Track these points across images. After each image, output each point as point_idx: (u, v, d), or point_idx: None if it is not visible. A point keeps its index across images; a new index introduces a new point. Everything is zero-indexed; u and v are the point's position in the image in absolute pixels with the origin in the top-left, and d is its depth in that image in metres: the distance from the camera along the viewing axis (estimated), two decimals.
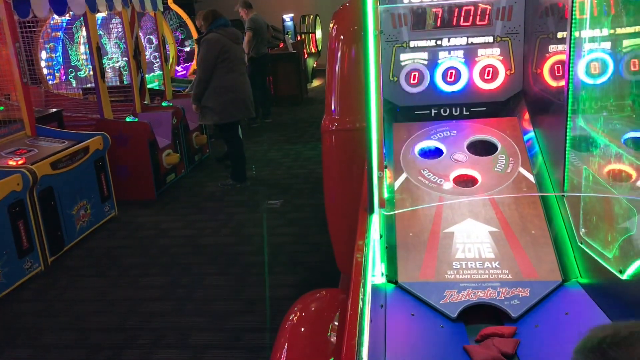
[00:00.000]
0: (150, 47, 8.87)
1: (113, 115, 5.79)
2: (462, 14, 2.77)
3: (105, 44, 8.07)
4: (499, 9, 2.74)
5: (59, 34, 7.74)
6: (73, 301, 3.90)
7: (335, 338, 1.88)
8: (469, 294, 1.99)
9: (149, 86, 7.47)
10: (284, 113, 9.83)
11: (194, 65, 9.22)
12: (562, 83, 2.17)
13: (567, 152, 2.17)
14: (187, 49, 10.16)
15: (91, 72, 5.78)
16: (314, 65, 12.83)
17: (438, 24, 2.79)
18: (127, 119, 5.91)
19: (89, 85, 7.20)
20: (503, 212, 2.29)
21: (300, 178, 6.31)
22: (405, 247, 2.19)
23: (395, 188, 2.46)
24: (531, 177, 2.44)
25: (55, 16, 6.72)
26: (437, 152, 2.67)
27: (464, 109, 2.86)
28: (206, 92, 5.59)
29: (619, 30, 2.48)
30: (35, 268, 4.25)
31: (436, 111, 2.88)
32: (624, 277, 1.73)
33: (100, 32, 7.42)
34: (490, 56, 2.80)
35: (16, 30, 4.84)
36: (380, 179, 2.17)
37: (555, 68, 2.50)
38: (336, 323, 1.95)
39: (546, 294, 1.97)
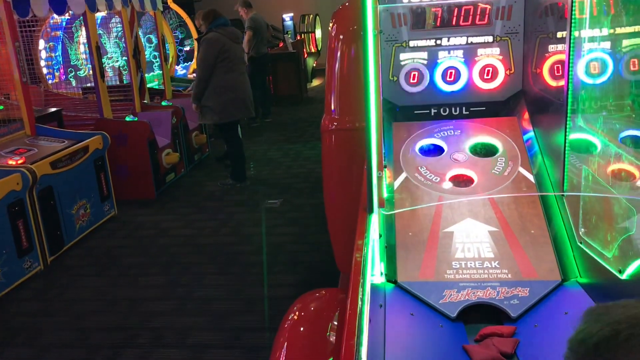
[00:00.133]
0: (150, 47, 8.87)
1: (113, 114, 5.79)
2: (462, 13, 2.77)
3: (105, 43, 8.07)
4: (498, 9, 2.74)
5: (59, 33, 7.74)
6: (73, 301, 3.90)
7: (334, 338, 1.88)
8: (468, 293, 1.99)
9: (148, 85, 7.47)
10: (283, 112, 9.83)
11: (193, 64, 9.22)
12: (562, 83, 2.17)
13: (566, 151, 2.17)
14: (187, 48, 10.15)
15: (91, 72, 5.78)
16: (314, 65, 12.83)
17: (438, 24, 2.79)
18: (127, 119, 5.91)
19: (88, 85, 7.20)
20: (502, 211, 2.29)
21: (300, 177, 6.31)
22: (405, 247, 2.19)
23: (395, 188, 2.46)
24: (531, 177, 2.44)
25: (55, 15, 6.72)
26: (438, 151, 2.67)
27: (464, 108, 2.86)
28: (206, 91, 5.59)
29: (618, 30, 2.48)
30: (35, 267, 4.25)
31: (436, 111, 2.88)
32: (624, 276, 1.73)
33: (100, 32, 7.42)
34: (490, 56, 2.80)
35: (16, 29, 4.84)
36: (380, 178, 2.17)
37: (555, 68, 2.50)
38: (335, 323, 1.95)
39: (545, 293, 1.97)
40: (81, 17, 6.14)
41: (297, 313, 2.13)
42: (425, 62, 2.83)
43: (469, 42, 2.79)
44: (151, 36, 8.72)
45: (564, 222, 2.19)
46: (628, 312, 0.88)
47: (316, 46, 13.30)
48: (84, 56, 7.71)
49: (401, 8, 2.79)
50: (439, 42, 2.80)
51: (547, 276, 2.03)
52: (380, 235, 2.16)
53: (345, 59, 2.92)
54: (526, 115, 2.72)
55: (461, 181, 2.50)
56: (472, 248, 2.16)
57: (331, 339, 1.89)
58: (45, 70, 7.54)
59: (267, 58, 9.07)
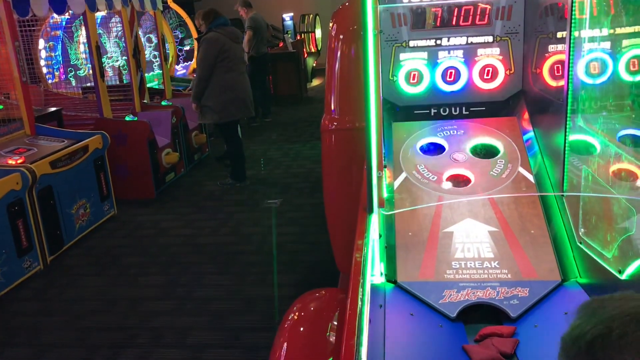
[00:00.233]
0: (150, 46, 8.87)
1: (112, 114, 5.79)
2: (462, 13, 2.76)
3: (105, 42, 8.07)
4: (498, 9, 2.74)
5: (59, 32, 7.73)
6: (72, 300, 3.90)
7: (334, 338, 1.88)
8: (468, 293, 1.99)
9: (148, 85, 7.47)
10: (283, 112, 9.83)
11: (193, 64, 9.21)
12: (562, 83, 2.17)
13: (566, 151, 2.17)
14: (187, 48, 10.15)
15: (90, 71, 5.78)
16: (314, 65, 12.83)
17: (438, 24, 2.79)
18: (127, 118, 5.91)
19: (88, 84, 7.19)
20: (502, 211, 2.29)
21: (300, 177, 6.31)
22: (405, 247, 2.19)
23: (395, 188, 2.46)
24: (530, 177, 2.44)
25: (55, 15, 6.71)
26: (439, 149, 2.67)
27: (464, 108, 2.86)
28: (206, 91, 5.59)
29: (618, 30, 2.49)
30: (35, 267, 4.25)
31: (435, 111, 2.88)
32: (623, 277, 1.73)
33: (100, 31, 7.42)
34: (490, 56, 2.80)
35: (15, 29, 4.84)
36: (380, 178, 2.17)
37: (555, 68, 2.50)
38: (335, 323, 1.95)
39: (545, 293, 1.97)
40: (81, 17, 6.14)
41: (297, 313, 2.13)
42: (425, 62, 2.83)
43: (469, 42, 2.79)
44: (151, 36, 8.72)
45: (564, 222, 2.19)
46: (624, 306, 0.86)
47: (316, 46, 13.30)
48: (83, 56, 7.70)
49: (401, 8, 2.79)
50: (439, 42, 2.80)
51: (546, 276, 2.03)
52: (380, 235, 2.16)
53: (345, 59, 2.92)
54: (526, 116, 2.72)
55: (460, 181, 2.50)
56: (472, 248, 2.16)
57: (331, 339, 1.89)
58: (45, 70, 7.53)
59: (267, 58, 9.08)
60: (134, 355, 3.22)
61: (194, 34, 9.61)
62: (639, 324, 0.82)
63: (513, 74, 2.80)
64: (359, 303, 1.56)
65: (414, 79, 2.84)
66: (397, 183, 2.48)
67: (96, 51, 5.43)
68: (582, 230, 2.04)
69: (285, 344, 1.95)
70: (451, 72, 2.81)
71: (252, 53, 8.41)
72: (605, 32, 2.40)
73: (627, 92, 2.50)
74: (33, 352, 3.32)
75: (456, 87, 2.83)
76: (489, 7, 2.75)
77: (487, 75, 2.81)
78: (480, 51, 2.80)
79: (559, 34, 2.43)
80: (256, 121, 8.88)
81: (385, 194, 2.33)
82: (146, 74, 7.59)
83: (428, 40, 2.81)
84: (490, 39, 2.78)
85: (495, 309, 1.96)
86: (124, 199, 5.55)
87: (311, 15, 13.17)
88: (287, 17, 12.52)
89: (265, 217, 5.16)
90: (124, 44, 6.70)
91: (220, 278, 4.07)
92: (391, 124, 2.81)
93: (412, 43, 2.82)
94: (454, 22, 2.78)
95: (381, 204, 2.25)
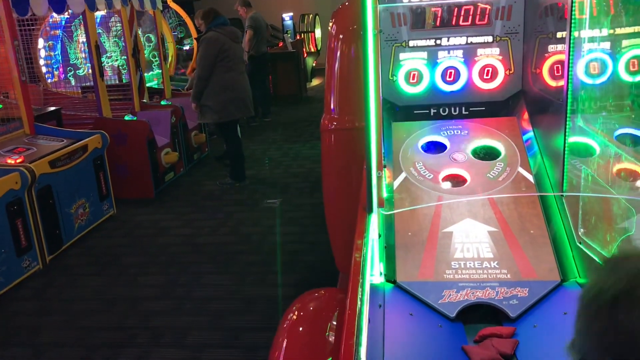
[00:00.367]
0: (149, 46, 8.86)
1: (112, 113, 5.78)
2: (462, 13, 2.76)
3: (104, 42, 8.06)
4: (498, 9, 2.74)
5: (58, 32, 7.73)
6: (71, 300, 3.89)
7: (333, 338, 1.88)
8: (467, 293, 1.98)
9: (147, 85, 7.46)
10: (283, 112, 9.83)
11: (192, 63, 9.21)
12: (562, 83, 2.17)
13: (566, 152, 2.17)
14: (186, 47, 10.14)
15: (90, 71, 5.77)
16: (313, 65, 12.83)
17: (437, 24, 2.79)
18: (126, 118, 5.90)
19: (87, 84, 7.19)
20: (502, 212, 2.29)
21: (300, 177, 6.31)
22: (404, 247, 2.19)
23: (394, 187, 2.46)
24: (530, 177, 2.44)
25: (54, 14, 6.71)
26: (440, 148, 2.67)
27: (463, 108, 2.86)
28: (205, 90, 5.59)
29: (618, 31, 2.49)
30: (34, 266, 4.24)
31: (435, 111, 2.88)
32: None
33: (99, 31, 7.41)
34: (490, 56, 2.80)
35: (15, 28, 4.83)
36: (379, 178, 2.17)
37: (555, 68, 2.50)
38: (334, 322, 1.94)
39: (545, 294, 1.97)
40: (80, 16, 6.13)
41: (296, 313, 2.12)
42: (425, 62, 2.83)
43: (469, 42, 2.79)
44: (150, 35, 8.71)
45: (564, 223, 2.19)
46: None
47: (316, 46, 13.30)
48: (83, 55, 7.70)
49: (401, 8, 2.79)
50: (438, 42, 2.80)
51: (546, 276, 2.03)
52: (379, 235, 2.16)
53: (345, 59, 2.92)
54: (526, 116, 2.72)
55: (458, 182, 2.50)
56: (472, 248, 2.16)
57: (330, 339, 1.89)
58: (44, 69, 7.53)
59: (266, 57, 9.07)
60: (134, 355, 3.22)
61: (194, 34, 9.60)
62: None
63: (513, 74, 2.80)
64: (359, 303, 1.55)
65: (413, 78, 2.84)
66: (396, 183, 2.48)
67: (95, 50, 5.43)
68: (582, 230, 2.04)
69: (285, 344, 1.95)
70: (451, 72, 2.81)
71: (252, 52, 8.41)
72: (605, 32, 2.41)
73: (626, 93, 2.50)
74: (32, 351, 3.32)
75: (456, 87, 2.83)
76: (488, 7, 2.75)
77: (487, 75, 2.81)
78: (480, 51, 2.80)
79: (559, 34, 2.43)
80: (256, 121, 8.88)
81: (384, 194, 2.33)
82: (145, 74, 7.58)
83: (428, 40, 2.81)
84: (490, 39, 2.78)
85: (494, 309, 1.96)
86: (123, 199, 5.55)
87: (311, 15, 13.17)
88: (286, 16, 12.52)
89: (265, 217, 5.16)
90: (123, 44, 6.69)
91: (219, 278, 4.07)
92: (391, 124, 2.81)
93: (411, 43, 2.82)
94: (453, 22, 2.78)
95: (381, 204, 2.25)
